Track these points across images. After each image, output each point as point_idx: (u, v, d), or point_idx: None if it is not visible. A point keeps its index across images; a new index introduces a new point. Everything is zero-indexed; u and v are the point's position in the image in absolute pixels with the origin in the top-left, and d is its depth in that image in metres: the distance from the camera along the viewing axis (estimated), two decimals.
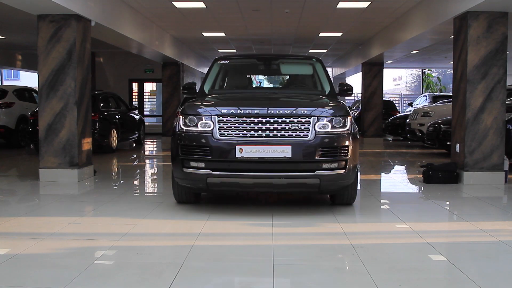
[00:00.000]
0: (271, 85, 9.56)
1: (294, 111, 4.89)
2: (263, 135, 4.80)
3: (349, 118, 5.03)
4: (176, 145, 4.97)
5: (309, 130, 4.84)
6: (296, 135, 4.82)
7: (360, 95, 19.28)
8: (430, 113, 13.12)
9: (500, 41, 7.21)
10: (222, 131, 4.83)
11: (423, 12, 9.35)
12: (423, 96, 19.53)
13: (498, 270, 3.58)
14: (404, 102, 29.72)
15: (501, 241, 4.23)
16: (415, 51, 14.50)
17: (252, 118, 4.83)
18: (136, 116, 13.62)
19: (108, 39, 10.36)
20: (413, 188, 7.38)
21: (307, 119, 4.86)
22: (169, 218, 5.05)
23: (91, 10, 7.70)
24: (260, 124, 4.82)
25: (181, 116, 5.03)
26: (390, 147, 14.16)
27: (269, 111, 4.87)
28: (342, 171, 4.87)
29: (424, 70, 26.97)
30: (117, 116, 12.00)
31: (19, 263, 3.59)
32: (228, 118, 4.85)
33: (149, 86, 21.82)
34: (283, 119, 4.84)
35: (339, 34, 13.64)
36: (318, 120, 4.87)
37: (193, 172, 4.86)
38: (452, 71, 8.44)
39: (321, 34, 13.64)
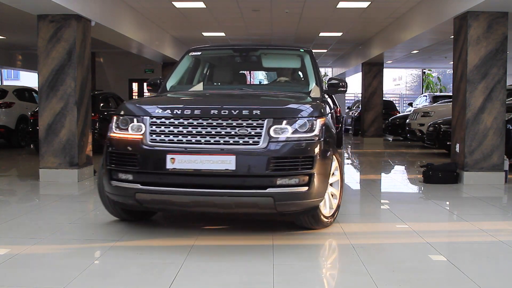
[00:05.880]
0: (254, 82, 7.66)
1: (243, 111, 3.95)
2: (202, 141, 3.91)
3: (319, 120, 4.06)
4: (105, 152, 4.22)
5: (260, 135, 3.87)
6: (243, 141, 3.87)
7: (360, 95, 19.28)
8: (430, 113, 13.13)
9: (500, 41, 7.21)
10: (154, 135, 4.00)
11: (423, 12, 9.35)
12: (423, 96, 19.53)
13: (498, 270, 3.58)
14: (404, 102, 29.73)
15: (501, 241, 4.23)
16: (415, 51, 14.50)
17: (190, 121, 3.97)
18: None
19: (108, 39, 10.36)
20: (413, 188, 7.38)
21: (259, 121, 3.91)
22: (170, 217, 5.05)
23: (91, 10, 7.70)
24: (200, 128, 3.94)
25: (114, 117, 4.27)
26: (390, 147, 14.16)
27: (211, 112, 3.97)
28: (304, 188, 3.90)
29: (424, 70, 26.97)
30: None
31: (19, 263, 3.59)
32: (162, 120, 4.03)
33: None
34: (229, 121, 3.92)
35: (339, 34, 13.64)
36: (274, 123, 3.92)
37: (121, 185, 4.06)
38: (452, 71, 8.44)
39: (321, 34, 13.64)
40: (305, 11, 10.46)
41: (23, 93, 13.06)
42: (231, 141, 3.87)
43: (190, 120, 3.96)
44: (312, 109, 4.13)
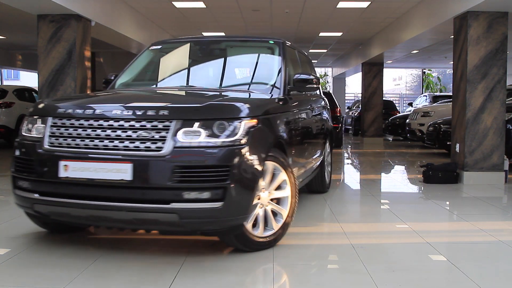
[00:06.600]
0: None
1: (148, 112, 3.39)
2: (100, 146, 3.39)
3: (246, 122, 3.43)
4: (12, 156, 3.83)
5: (165, 139, 3.30)
6: (145, 147, 3.31)
7: (360, 95, 19.28)
8: (430, 113, 13.14)
9: (500, 41, 7.21)
10: (53, 138, 3.55)
11: (423, 12, 9.35)
12: (423, 96, 19.54)
13: (498, 270, 3.58)
14: (404, 102, 29.75)
15: (501, 241, 4.23)
16: (415, 51, 14.51)
17: (91, 122, 3.47)
18: None
19: (108, 39, 10.36)
20: (413, 188, 7.38)
21: (166, 123, 3.34)
22: None
23: (91, 10, 7.71)
24: (99, 131, 3.43)
25: (25, 118, 3.90)
26: (390, 147, 14.16)
27: (113, 112, 3.46)
28: (217, 204, 3.28)
29: (424, 70, 26.98)
30: None
31: (19, 263, 3.59)
32: (63, 120, 3.56)
33: None
34: (132, 123, 3.38)
35: (339, 34, 13.65)
36: (184, 125, 3.33)
37: (21, 194, 3.70)
38: (452, 71, 8.45)
39: (321, 34, 13.64)
40: (305, 11, 10.46)
41: (23, 93, 13.06)
42: (131, 146, 3.33)
43: (91, 121, 3.46)
44: (238, 109, 3.49)
